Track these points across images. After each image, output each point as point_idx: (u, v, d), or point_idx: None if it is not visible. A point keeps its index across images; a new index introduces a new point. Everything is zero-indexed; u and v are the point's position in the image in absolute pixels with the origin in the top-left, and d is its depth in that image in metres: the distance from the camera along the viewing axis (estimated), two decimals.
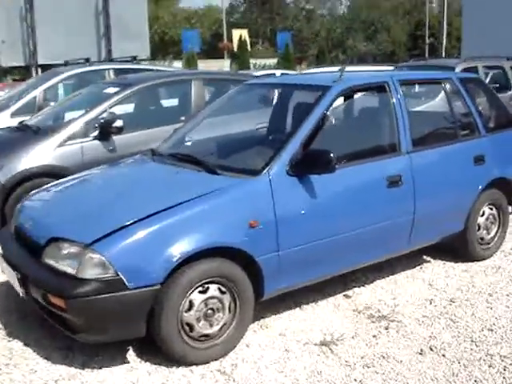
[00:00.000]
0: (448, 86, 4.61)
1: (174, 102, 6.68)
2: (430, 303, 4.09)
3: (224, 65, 27.29)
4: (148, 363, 3.30)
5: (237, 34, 31.43)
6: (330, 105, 3.76)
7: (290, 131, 3.66)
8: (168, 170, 3.82)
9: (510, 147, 4.93)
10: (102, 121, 5.59)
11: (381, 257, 4.15)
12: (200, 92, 6.27)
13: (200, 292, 3.22)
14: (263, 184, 3.40)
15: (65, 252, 3.10)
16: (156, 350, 3.29)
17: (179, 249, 3.07)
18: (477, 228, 4.73)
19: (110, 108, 5.79)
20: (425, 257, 4.88)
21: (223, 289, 3.30)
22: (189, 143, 4.35)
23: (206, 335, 3.28)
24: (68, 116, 6.35)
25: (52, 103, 7.50)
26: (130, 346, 3.44)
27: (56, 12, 17.37)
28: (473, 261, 4.81)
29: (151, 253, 3.04)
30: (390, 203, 3.94)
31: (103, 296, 2.93)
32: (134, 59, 9.15)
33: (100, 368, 3.26)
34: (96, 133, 5.60)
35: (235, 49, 30.38)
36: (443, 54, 35.13)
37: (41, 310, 3.24)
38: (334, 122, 3.76)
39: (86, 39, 18.06)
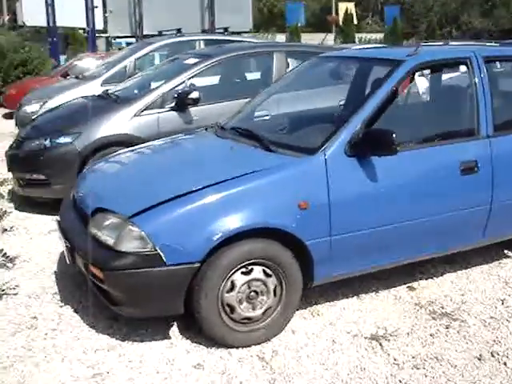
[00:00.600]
0: None
1: (255, 74, 6.55)
2: (502, 303, 3.73)
3: (328, 38, 26.71)
4: (189, 341, 3.25)
5: (343, 7, 30.62)
6: (401, 81, 3.45)
7: (353, 109, 3.40)
8: (225, 144, 3.70)
9: None
10: (179, 92, 5.56)
11: (450, 249, 3.83)
12: (282, 64, 6.09)
13: (243, 273, 3.10)
14: (317, 164, 3.20)
15: (107, 223, 3.08)
16: (199, 328, 3.22)
17: (221, 227, 2.95)
18: None
19: (189, 79, 5.76)
20: (506, 251, 4.46)
21: (268, 271, 3.16)
22: (253, 118, 4.20)
23: (249, 318, 3.16)
24: (153, 86, 6.39)
25: (137, 73, 7.59)
26: (175, 321, 3.40)
27: None
28: None
29: (192, 230, 2.94)
30: (461, 191, 3.60)
31: (140, 270, 2.89)
32: (225, 30, 9.09)
33: (141, 341, 3.25)
34: (173, 104, 5.59)
35: (340, 22, 29.65)
36: None
37: (88, 279, 3.26)
38: (404, 100, 3.45)
39: (191, 11, 18.31)
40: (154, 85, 6.12)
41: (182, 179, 3.22)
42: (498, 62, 3.97)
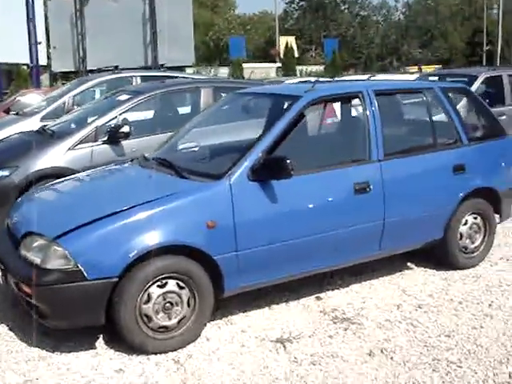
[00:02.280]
0: (429, 96, 4.71)
1: (184, 109, 7.00)
2: (398, 308, 4.20)
3: (270, 70, 27.59)
4: (112, 350, 3.59)
5: (283, 40, 31.76)
6: (298, 114, 3.95)
7: (256, 139, 3.87)
8: (146, 173, 4.11)
9: (497, 157, 4.97)
10: (111, 126, 5.95)
11: (349, 261, 4.30)
12: (209, 99, 6.56)
13: (158, 286, 3.48)
14: (223, 187, 3.64)
15: (35, 244, 3.43)
16: (122, 339, 3.57)
17: (136, 246, 3.35)
18: (459, 237, 4.79)
19: (120, 114, 6.15)
20: (408, 263, 4.98)
21: (182, 284, 3.55)
22: (174, 150, 4.63)
23: (165, 327, 3.53)
24: (87, 121, 6.76)
25: (75, 108, 7.94)
26: (100, 334, 3.73)
27: (105, 19, 18.15)
28: (455, 269, 4.87)
29: (110, 248, 3.33)
30: (356, 209, 4.09)
31: (64, 285, 3.25)
32: (161, 66, 9.55)
33: (69, 352, 3.57)
34: (105, 138, 5.97)
35: (281, 55, 30.69)
36: (498, 61, 34.39)
37: (19, 297, 3.58)
38: (302, 130, 3.94)
39: (134, 46, 18.77)
40: (88, 120, 6.50)
41: (102, 204, 3.61)
42: (387, 96, 4.50)
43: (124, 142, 6.03)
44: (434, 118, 4.66)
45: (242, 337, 3.78)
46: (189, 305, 3.59)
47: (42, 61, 20.64)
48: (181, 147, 4.63)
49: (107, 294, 3.33)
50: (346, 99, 4.34)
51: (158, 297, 3.48)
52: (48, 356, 3.53)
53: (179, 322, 3.58)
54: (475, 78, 8.84)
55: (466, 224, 4.82)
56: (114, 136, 5.95)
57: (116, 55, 16.36)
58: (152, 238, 3.40)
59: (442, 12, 53.22)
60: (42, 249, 3.37)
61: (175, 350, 3.58)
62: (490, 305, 4.23)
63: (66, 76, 22.12)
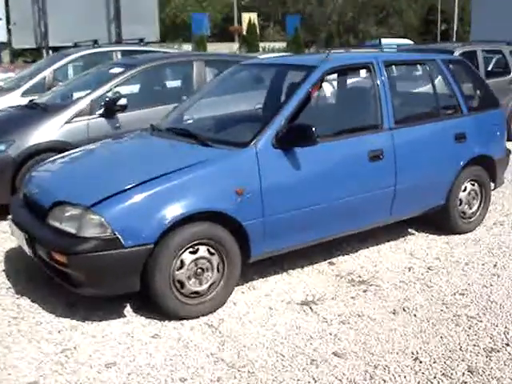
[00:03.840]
0: (432, 67, 4.86)
1: (177, 82, 6.97)
2: (409, 270, 4.38)
3: (233, 48, 27.48)
4: (143, 317, 3.63)
5: (246, 17, 31.60)
6: (316, 83, 4.02)
7: (277, 108, 3.93)
8: (164, 142, 4.13)
9: (492, 126, 5.18)
10: (107, 99, 5.90)
11: (364, 226, 4.45)
12: (201, 73, 6.56)
13: (190, 252, 3.53)
14: (250, 155, 3.70)
15: (67, 214, 3.42)
16: (150, 306, 3.61)
17: (171, 212, 3.38)
18: (458, 203, 5.00)
19: (115, 87, 6.10)
20: (409, 229, 5.17)
21: (212, 250, 3.61)
22: (186, 120, 4.64)
23: (196, 292, 3.59)
24: (76, 95, 6.66)
25: (60, 83, 7.80)
26: (127, 303, 3.77)
27: None
28: (455, 234, 5.08)
29: (145, 215, 3.35)
30: (371, 176, 4.22)
31: (101, 253, 3.26)
32: (141, 41, 9.43)
33: (100, 321, 3.59)
34: (101, 110, 5.91)
35: (244, 32, 30.55)
36: (454, 39, 35.12)
37: (47, 268, 3.57)
38: (319, 99, 4.03)
39: (97, 22, 18.38)
40: (81, 94, 6.41)
41: (133, 172, 3.62)
42: (395, 66, 4.62)
43: (120, 115, 5.99)
44: (437, 89, 4.81)
45: (267, 300, 3.88)
46: (218, 270, 3.66)
47: (2, 37, 20.00)
48: (195, 117, 4.64)
49: (143, 261, 3.37)
50: (358, 69, 4.44)
51: (190, 263, 3.53)
52: (79, 325, 3.55)
53: (209, 287, 3.64)
54: (451, 53, 9.04)
55: (465, 190, 5.02)
56: (111, 109, 5.90)
57: (79, 31, 15.96)
58: (185, 205, 3.44)
59: None
60: (76, 218, 3.36)
61: (206, 314, 3.65)
62: (494, 265, 4.45)
63: (23, 53, 21.55)
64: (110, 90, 6.06)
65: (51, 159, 4.44)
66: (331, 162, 4.02)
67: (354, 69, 4.45)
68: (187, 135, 4.07)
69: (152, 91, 6.74)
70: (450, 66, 4.93)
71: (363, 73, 4.38)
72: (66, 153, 4.53)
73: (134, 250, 3.31)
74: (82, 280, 3.37)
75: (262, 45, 29.43)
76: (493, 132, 5.16)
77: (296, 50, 24.06)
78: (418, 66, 4.84)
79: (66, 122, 5.80)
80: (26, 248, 3.69)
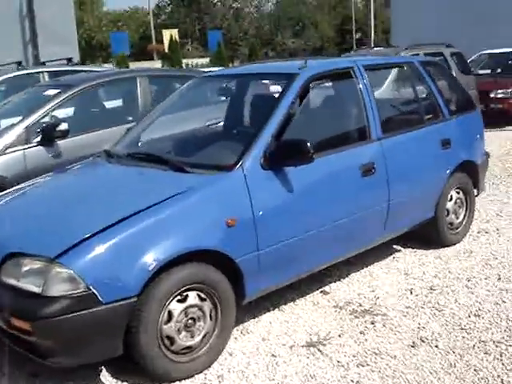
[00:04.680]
0: (410, 71, 4.50)
1: (119, 101, 6.33)
2: (411, 293, 3.96)
3: (156, 66, 26.72)
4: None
5: (167, 33, 30.91)
6: (299, 92, 3.55)
7: (260, 122, 3.42)
8: (129, 171, 3.52)
9: (473, 129, 4.90)
10: (44, 125, 5.20)
11: (361, 247, 4.02)
12: (146, 90, 5.97)
13: (179, 301, 2.95)
14: (238, 179, 3.16)
15: (26, 268, 2.75)
16: (133, 368, 2.99)
17: (154, 256, 2.79)
18: (446, 213, 4.65)
19: (52, 111, 5.41)
20: (395, 246, 4.76)
21: (203, 295, 3.04)
22: (147, 142, 4.04)
23: (189, 347, 3.01)
24: (4, 123, 5.90)
25: None
26: (103, 366, 3.12)
27: None
28: (443, 246, 4.73)
29: (124, 262, 2.74)
30: (365, 192, 3.79)
31: (74, 314, 2.62)
32: (69, 61, 8.67)
33: None
34: (39, 138, 5.21)
35: (166, 49, 29.86)
36: (372, 45, 35.85)
37: (4, 336, 2.88)
38: (302, 110, 3.55)
39: (11, 44, 17.23)
40: (10, 121, 5.68)
41: (100, 210, 3.00)
42: (374, 70, 4.22)
43: (60, 142, 5.30)
44: (418, 93, 4.46)
45: (267, 346, 3.34)
46: (211, 318, 3.09)
47: None
48: (158, 138, 4.04)
49: (126, 318, 2.75)
50: (339, 75, 4.00)
51: (180, 313, 2.95)
52: None
53: (202, 339, 3.07)
54: None
55: (451, 200, 4.69)
56: (50, 136, 5.21)
57: None
58: (170, 246, 2.86)
59: (309, 1, 54.82)
60: (39, 273, 2.70)
61: (201, 372, 3.07)
62: (498, 279, 4.11)
63: None
64: (47, 114, 5.35)
65: None
66: (324, 181, 3.55)
67: (335, 75, 4.00)
68: (155, 161, 3.48)
69: (93, 113, 6.06)
70: (428, 68, 4.59)
71: (344, 79, 3.94)
72: (8, 191, 3.82)
73: (115, 306, 2.69)
74: (51, 349, 2.71)
75: (184, 61, 28.84)
76: (473, 135, 4.87)
77: (220, 65, 23.63)
78: (397, 69, 4.47)
79: None
80: None
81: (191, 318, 3.00)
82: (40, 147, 5.22)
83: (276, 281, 3.44)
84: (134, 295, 2.73)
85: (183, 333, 2.97)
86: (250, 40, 48.36)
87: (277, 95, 3.61)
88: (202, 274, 2.99)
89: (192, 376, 3.03)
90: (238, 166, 3.19)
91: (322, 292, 4.02)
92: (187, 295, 2.97)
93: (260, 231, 3.18)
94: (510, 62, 12.37)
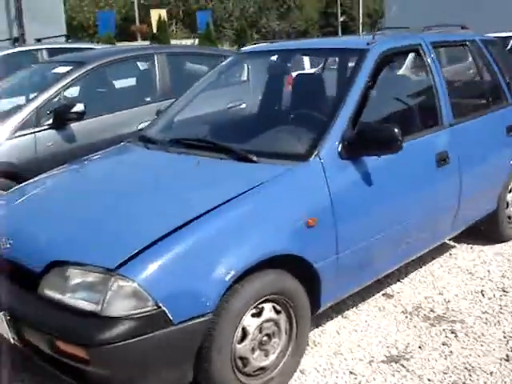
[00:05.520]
0: (474, 50, 4.05)
1: (135, 80, 5.79)
2: (483, 295, 3.57)
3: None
4: None
5: (155, 14, 29.93)
6: (372, 70, 3.08)
7: (332, 104, 2.97)
8: (180, 160, 3.02)
9: None
10: (57, 106, 4.68)
11: (432, 245, 3.62)
12: (164, 68, 5.44)
13: (253, 315, 2.49)
14: (315, 171, 2.70)
15: (76, 281, 2.26)
16: None
17: (231, 264, 2.32)
18: (505, 205, 4.25)
19: (64, 90, 4.87)
20: (448, 242, 4.34)
21: (278, 307, 2.59)
22: (190, 126, 3.54)
23: (262, 368, 2.56)
24: (4, 103, 5.35)
25: None
26: None
27: None
28: (500, 242, 4.33)
29: (197, 273, 2.27)
30: (439, 183, 3.37)
31: (141, 338, 2.14)
32: (68, 38, 8.05)
33: None
34: (50, 121, 4.68)
35: (154, 30, 28.95)
36: (360, 30, 35.38)
37: (44, 361, 2.39)
38: (378, 90, 3.09)
39: None
40: (13, 102, 5.15)
41: (159, 211, 2.50)
42: (441, 48, 3.77)
43: (74, 125, 4.78)
44: (482, 74, 4.02)
45: (341, 362, 2.91)
46: (286, 333, 2.65)
47: None
48: (206, 122, 3.54)
49: (199, 340, 2.29)
50: (407, 52, 3.54)
51: (255, 330, 2.49)
52: None
53: (277, 357, 2.62)
54: None
55: (511, 191, 4.28)
56: (64, 118, 4.68)
57: None
58: (249, 251, 2.40)
59: None
60: (93, 287, 2.21)
61: None
62: None
63: None
64: (59, 93, 4.81)
65: (13, 191, 3.21)
66: (401, 172, 3.10)
67: (404, 52, 3.55)
68: (210, 148, 2.99)
69: (108, 93, 5.52)
70: (489, 47, 4.15)
71: (413, 57, 3.48)
72: (33, 181, 3.30)
73: (188, 326, 2.23)
74: (109, 379, 2.23)
75: (172, 42, 27.98)
76: None
77: (210, 46, 22.95)
78: (461, 48, 4.02)
79: (7, 139, 4.51)
80: (4, 331, 2.48)
81: (266, 335, 2.55)
82: (52, 131, 4.70)
83: (351, 287, 3.02)
84: (210, 312, 2.27)
85: (257, 352, 2.53)
86: (234, 22, 47.53)
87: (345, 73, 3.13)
88: (279, 282, 2.54)
89: None
90: (314, 154, 2.73)
91: (384, 295, 3.60)
92: (263, 308, 2.52)
93: (340, 231, 2.73)
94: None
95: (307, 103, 3.29)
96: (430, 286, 3.71)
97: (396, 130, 2.72)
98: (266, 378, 2.59)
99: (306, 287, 2.68)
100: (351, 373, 2.81)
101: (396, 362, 2.88)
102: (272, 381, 2.61)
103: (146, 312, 2.15)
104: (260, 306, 2.51)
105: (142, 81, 5.66)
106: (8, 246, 2.58)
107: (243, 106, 4.51)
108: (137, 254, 2.22)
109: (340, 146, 2.79)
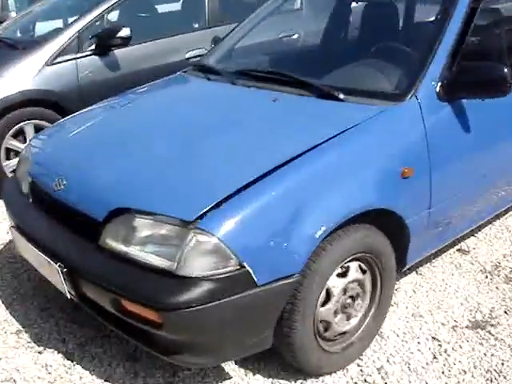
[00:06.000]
0: None
1: (180, 5, 5.35)
2: None
3: None
4: (259, 376, 2.32)
5: None
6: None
7: (426, 37, 2.56)
8: (252, 95, 2.67)
9: None
10: (101, 30, 4.31)
11: None
12: None
13: (338, 275, 2.21)
14: (413, 113, 2.35)
15: (147, 233, 1.98)
16: (263, 356, 2.30)
17: (321, 218, 2.02)
18: None
19: (108, 13, 4.48)
20: None
21: (364, 266, 2.31)
22: (257, 56, 3.16)
23: (343, 333, 2.31)
24: (40, 27, 4.98)
25: (13, 13, 6.00)
26: None
27: None
28: None
29: (283, 228, 1.97)
30: None
31: (222, 301, 1.87)
32: None
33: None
34: (93, 46, 4.32)
35: None
36: None
37: (106, 320, 2.15)
38: (475, 27, 2.66)
39: None
40: (49, 25, 4.78)
41: (236, 154, 2.18)
42: None
43: (117, 52, 4.42)
44: None
45: (422, 325, 2.65)
46: (369, 294, 2.38)
47: None
48: (271, 51, 3.17)
49: (283, 303, 2.02)
50: None
51: (340, 291, 2.22)
52: None
53: (359, 321, 2.36)
54: None
55: None
56: (107, 44, 4.32)
57: None
58: (341, 204, 2.09)
59: None
60: (168, 240, 1.93)
61: (352, 362, 2.38)
62: None
63: None
64: (102, 17, 4.43)
65: (61, 123, 2.91)
66: (507, 117, 2.73)
67: None
68: (289, 83, 2.62)
69: (153, 18, 5.10)
70: None
71: None
72: (81, 113, 2.99)
73: (272, 287, 1.95)
74: (184, 345, 1.98)
75: None
76: None
77: None
78: None
79: (47, 64, 4.18)
80: (59, 284, 2.23)
81: (350, 297, 2.28)
82: (95, 57, 4.35)
83: (438, 243, 2.72)
84: (297, 272, 1.99)
85: (339, 315, 2.27)
86: None
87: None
88: (369, 239, 2.24)
89: (344, 368, 2.35)
90: (410, 94, 2.36)
91: (459, 251, 3.30)
92: (348, 267, 2.24)
93: (434, 183, 2.41)
94: None
95: (390, 35, 2.88)
96: (508, 243, 3.39)
97: (506, 70, 2.33)
98: (346, 343, 2.34)
99: (393, 245, 2.38)
100: (434, 338, 2.55)
101: (483, 329, 2.61)
102: (352, 346, 2.36)
103: (227, 272, 1.87)
104: (346, 265, 2.22)
105: (189, 5, 5.21)
106: (62, 187, 2.30)
107: (295, 36, 4.12)
108: (217, 206, 1.92)
109: (439, 85, 2.41)
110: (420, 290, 2.92)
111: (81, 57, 4.29)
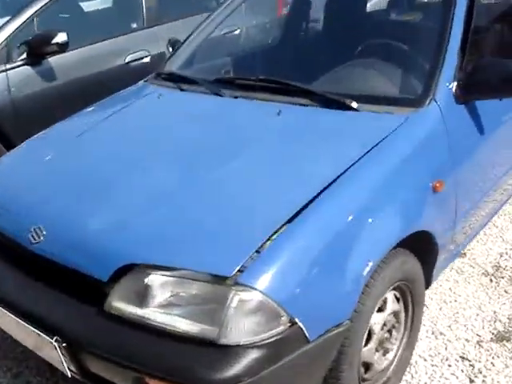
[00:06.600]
0: None
1: (111, 2, 4.86)
2: None
3: None
4: None
5: None
6: None
7: (432, 35, 2.34)
8: (251, 109, 2.32)
9: None
10: (33, 36, 3.81)
11: None
12: None
13: (378, 310, 1.96)
14: (435, 118, 2.13)
15: (169, 293, 1.63)
16: None
17: (366, 251, 1.76)
18: None
19: (37, 16, 3.97)
20: None
21: (397, 295, 2.07)
22: (241, 60, 2.81)
23: (382, 370, 2.07)
24: None
25: None
26: None
27: None
28: None
29: (331, 270, 1.69)
30: None
31: (273, 367, 1.57)
32: None
33: None
34: (24, 55, 3.82)
35: None
36: None
37: None
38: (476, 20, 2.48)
39: None
40: None
41: (260, 184, 1.86)
42: None
43: (51, 60, 3.94)
44: None
45: (446, 344, 2.47)
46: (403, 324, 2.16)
47: None
48: (256, 53, 2.83)
49: (334, 354, 1.75)
50: None
51: (381, 328, 1.98)
52: None
53: (394, 355, 2.13)
54: None
55: None
56: (41, 51, 3.83)
57: None
58: (385, 231, 1.84)
59: None
60: (201, 302, 1.58)
61: None
62: None
63: None
64: (31, 20, 3.91)
65: (21, 149, 2.47)
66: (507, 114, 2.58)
67: None
68: (288, 91, 2.31)
69: (84, 19, 4.58)
70: None
71: None
72: (40, 137, 2.54)
73: (323, 340, 1.67)
74: None
75: None
76: None
77: None
78: None
79: None
80: (56, 362, 1.82)
81: (388, 331, 2.04)
82: (27, 67, 3.84)
83: (452, 259, 2.53)
84: (347, 319, 1.72)
85: (378, 353, 2.03)
86: None
87: None
88: (407, 265, 2.01)
89: None
90: (429, 98, 2.14)
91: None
92: (385, 299, 1.99)
93: (459, 194, 2.21)
94: None
95: (388, 33, 2.64)
96: (499, 240, 3.29)
97: None
98: (382, 381, 2.10)
99: (423, 266, 2.16)
100: (463, 358, 2.38)
101: (507, 341, 2.46)
102: (388, 382, 2.12)
103: (278, 333, 1.57)
104: (383, 297, 1.98)
105: (120, 2, 4.76)
106: (41, 238, 1.87)
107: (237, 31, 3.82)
108: (256, 253, 1.61)
109: (455, 87, 2.20)
110: (431, 303, 2.74)
111: (11, 68, 3.77)
